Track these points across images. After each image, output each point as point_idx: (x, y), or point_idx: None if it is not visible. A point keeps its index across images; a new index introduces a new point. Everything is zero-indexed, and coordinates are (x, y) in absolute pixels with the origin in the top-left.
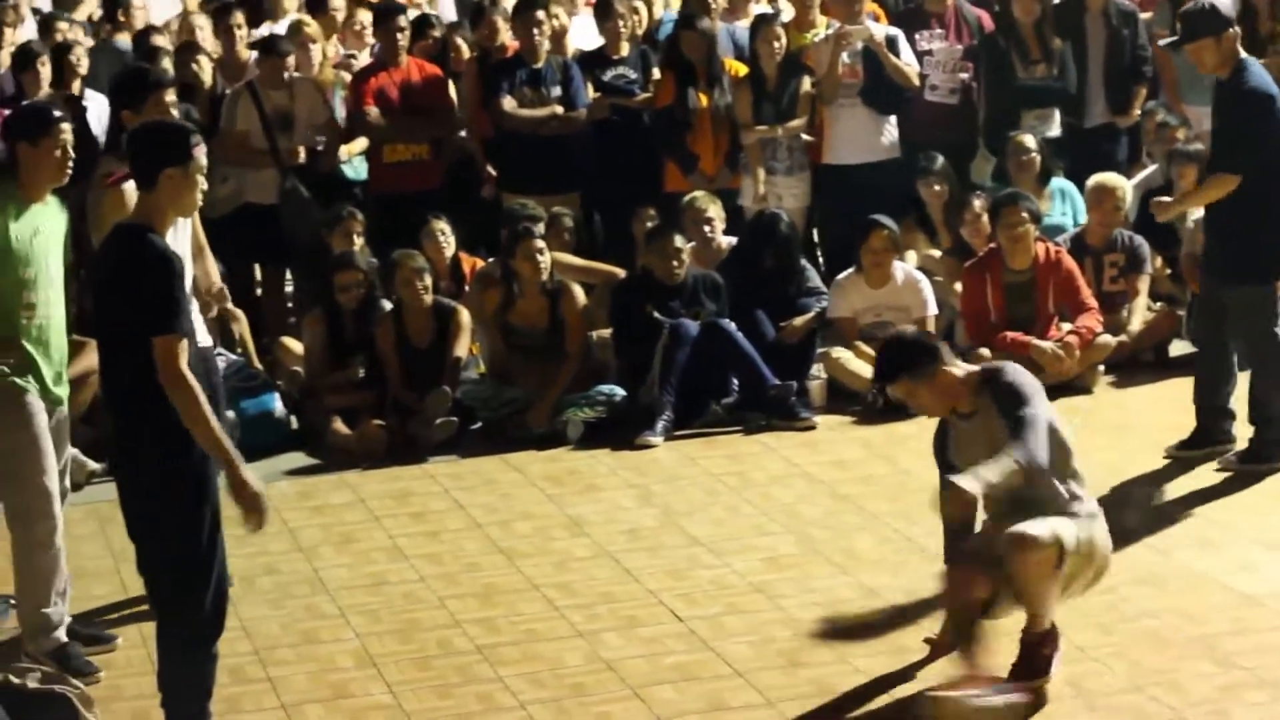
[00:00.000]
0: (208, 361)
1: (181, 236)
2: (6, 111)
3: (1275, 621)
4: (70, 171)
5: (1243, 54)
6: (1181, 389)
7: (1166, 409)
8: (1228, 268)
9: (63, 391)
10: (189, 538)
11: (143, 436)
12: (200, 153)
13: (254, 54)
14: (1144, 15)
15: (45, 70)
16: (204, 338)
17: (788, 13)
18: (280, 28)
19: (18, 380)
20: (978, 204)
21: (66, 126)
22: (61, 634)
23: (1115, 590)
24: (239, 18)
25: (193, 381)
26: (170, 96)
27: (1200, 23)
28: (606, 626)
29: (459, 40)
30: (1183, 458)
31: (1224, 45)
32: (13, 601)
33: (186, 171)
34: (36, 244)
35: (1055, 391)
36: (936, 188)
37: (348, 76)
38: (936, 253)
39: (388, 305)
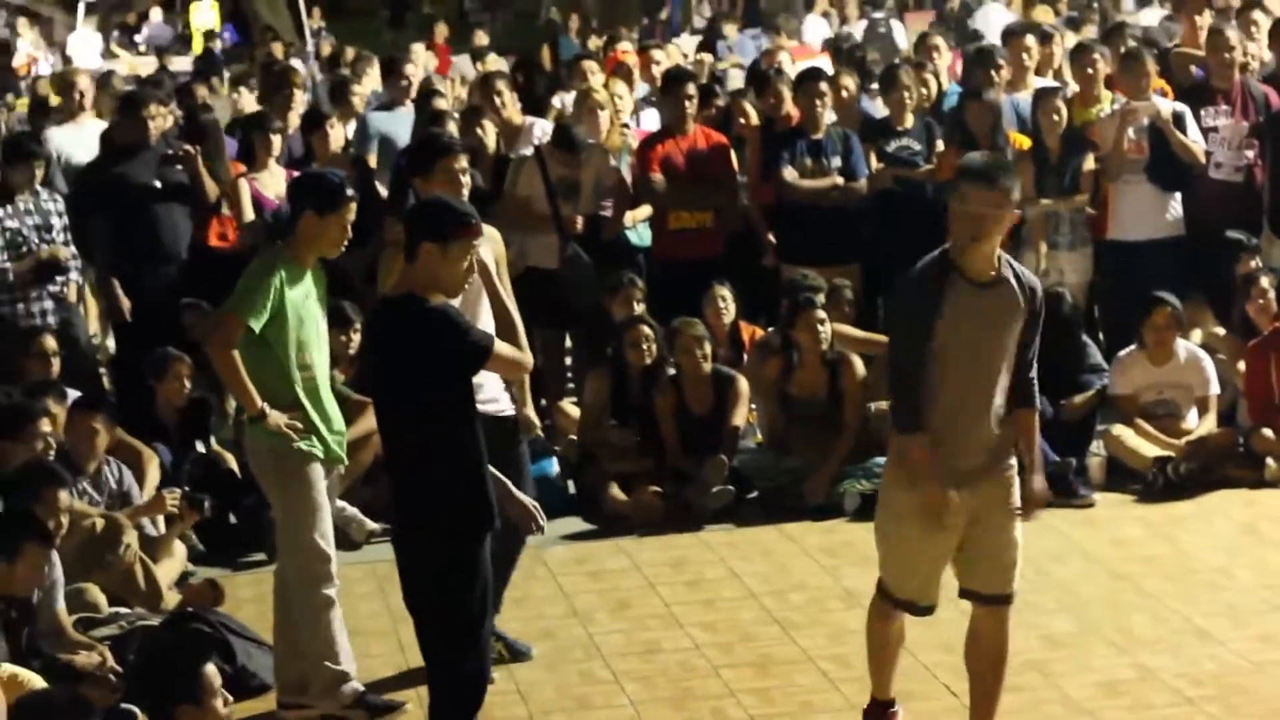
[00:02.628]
0: (506, 430)
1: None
2: (295, 173)
3: None
4: (346, 245)
5: None
6: None
7: None
8: None
9: (342, 452)
10: (462, 607)
11: (422, 503)
12: (463, 237)
13: (529, 119)
14: None
15: (335, 132)
16: (506, 406)
17: (1071, 86)
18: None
19: (304, 447)
20: (1265, 281)
21: (354, 205)
22: (357, 684)
23: None
24: (502, 84)
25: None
26: (461, 163)
27: None
28: None
29: (745, 106)
30: None
31: None
32: None
33: (445, 250)
34: (309, 306)
35: None
36: (1249, 267)
37: (634, 142)
38: (1221, 331)
39: (670, 371)
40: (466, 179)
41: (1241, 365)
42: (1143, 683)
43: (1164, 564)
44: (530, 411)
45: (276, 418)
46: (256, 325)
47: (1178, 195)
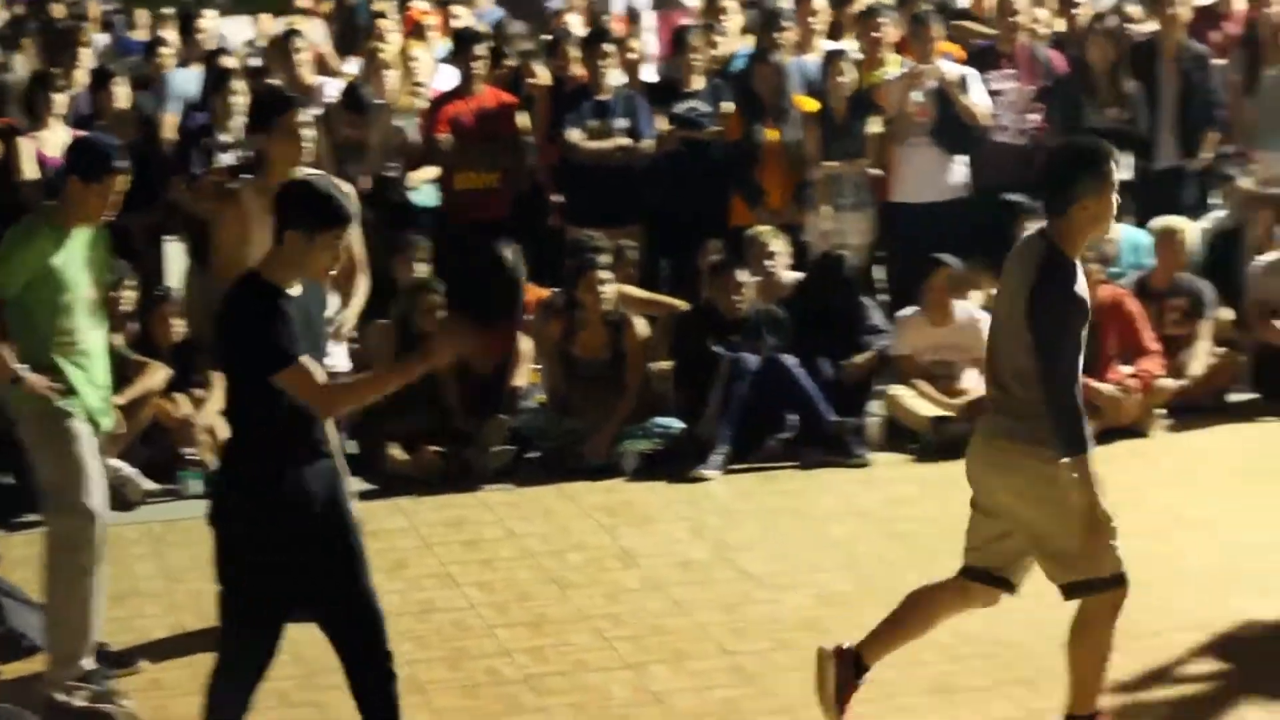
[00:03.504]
0: None
1: None
2: (80, 133)
3: None
4: (114, 214)
5: None
6: (1241, 434)
7: (1226, 454)
8: None
9: (106, 411)
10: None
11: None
12: (331, 230)
13: (320, 79)
14: (1217, 61)
15: (121, 89)
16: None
17: (858, 50)
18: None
19: (63, 406)
20: None
21: (121, 176)
22: (90, 662)
23: (1164, 635)
24: (297, 43)
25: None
26: (302, 117)
27: None
28: (655, 659)
29: (535, 67)
30: None
31: None
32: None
33: (311, 240)
34: (73, 271)
35: (1113, 435)
36: (1025, 228)
37: (422, 103)
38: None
39: None
40: (309, 134)
41: None
42: (915, 641)
43: (939, 523)
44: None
45: (33, 381)
46: (7, 291)
47: (962, 158)
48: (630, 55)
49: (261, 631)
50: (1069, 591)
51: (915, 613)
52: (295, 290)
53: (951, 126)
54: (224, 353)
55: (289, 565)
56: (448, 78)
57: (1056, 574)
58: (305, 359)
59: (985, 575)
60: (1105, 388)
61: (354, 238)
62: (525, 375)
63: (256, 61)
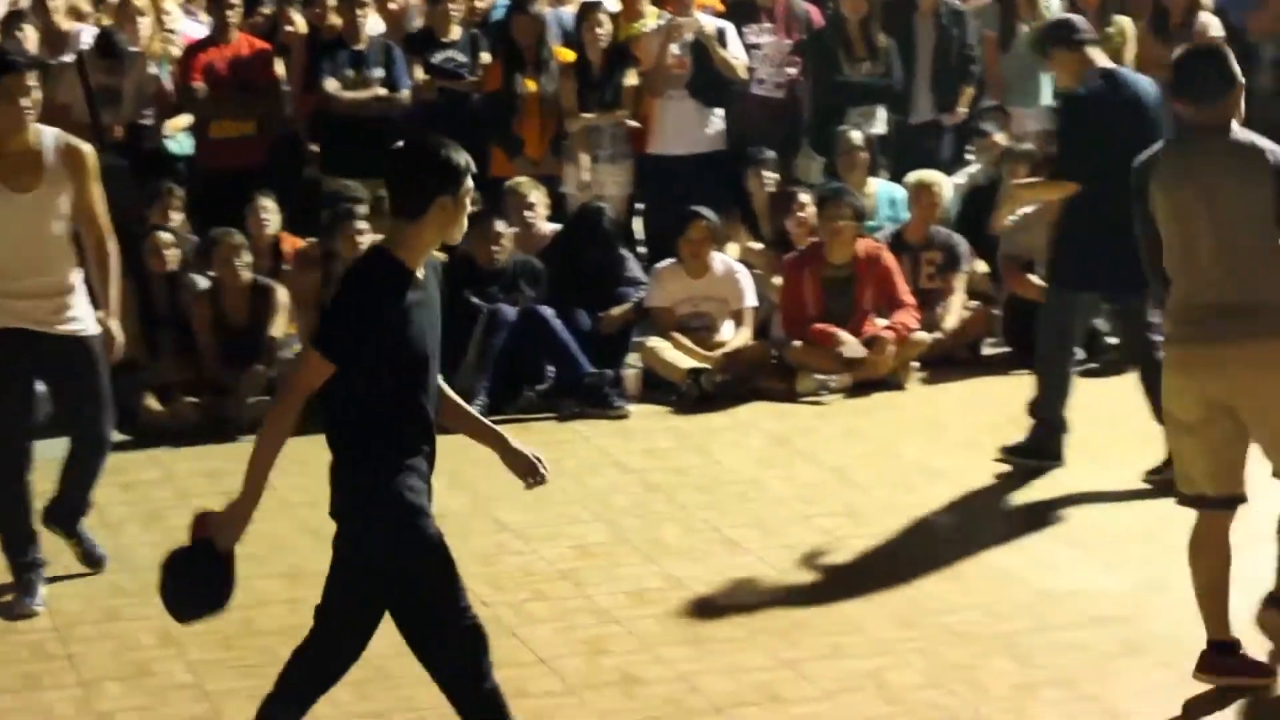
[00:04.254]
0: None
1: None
2: None
3: (1074, 619)
4: None
5: (1105, 65)
6: (993, 387)
7: (978, 407)
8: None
9: None
10: None
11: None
12: None
13: (75, 25)
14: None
15: None
16: (91, 326)
17: (615, 2)
18: None
19: None
20: (804, 198)
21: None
22: None
23: (918, 585)
24: None
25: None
26: (25, 80)
27: (1053, 35)
28: None
29: (291, 14)
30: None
31: (1074, 58)
32: None
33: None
34: None
35: (868, 387)
36: (763, 180)
37: (176, 51)
38: (758, 245)
39: (205, 282)
40: (31, 99)
41: (777, 279)
42: (671, 591)
43: (696, 475)
44: (115, 326)
45: None
46: None
47: (719, 111)
48: (391, 4)
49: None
50: None
51: (1217, 574)
52: (421, 273)
53: (709, 79)
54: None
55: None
56: (192, 28)
57: None
58: (320, 357)
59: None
60: (849, 339)
61: (97, 197)
62: (283, 326)
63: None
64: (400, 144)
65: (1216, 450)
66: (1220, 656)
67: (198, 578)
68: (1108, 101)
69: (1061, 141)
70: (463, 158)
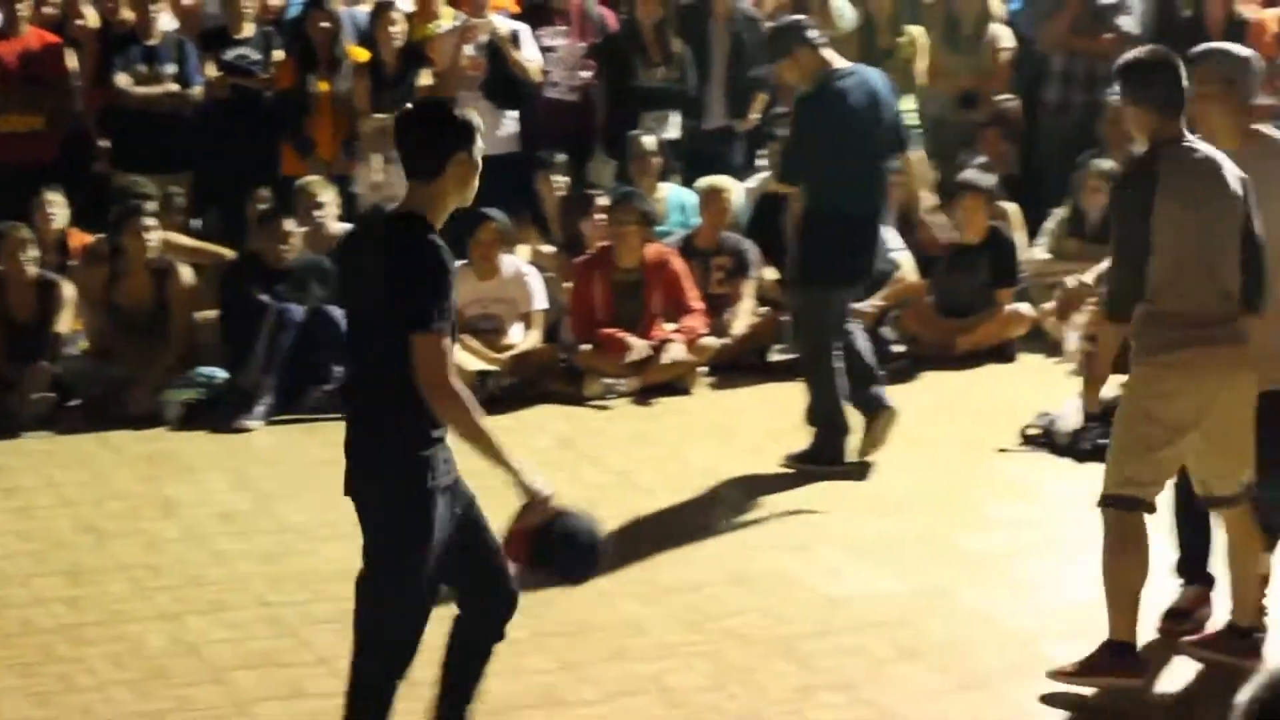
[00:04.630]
0: None
1: None
2: None
3: (854, 624)
4: None
5: (837, 63)
6: (781, 393)
7: (765, 413)
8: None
9: None
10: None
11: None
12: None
13: None
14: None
15: None
16: None
17: (409, 2)
18: None
19: None
20: (598, 202)
21: None
22: None
23: (702, 590)
24: None
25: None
26: None
27: (777, 44)
28: (192, 609)
29: (82, 8)
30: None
31: (802, 60)
32: None
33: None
34: None
35: (656, 391)
36: (554, 184)
37: None
38: (549, 248)
39: None
40: None
41: (568, 283)
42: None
43: (481, 477)
44: None
45: None
46: None
47: (513, 113)
48: (184, 0)
49: None
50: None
51: (1140, 576)
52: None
53: (503, 81)
54: (369, 301)
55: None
56: None
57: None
58: (434, 335)
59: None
60: (637, 344)
61: None
62: (68, 322)
63: None
64: (409, 106)
65: (1182, 457)
66: (1114, 658)
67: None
68: (844, 100)
69: (792, 142)
70: (473, 116)
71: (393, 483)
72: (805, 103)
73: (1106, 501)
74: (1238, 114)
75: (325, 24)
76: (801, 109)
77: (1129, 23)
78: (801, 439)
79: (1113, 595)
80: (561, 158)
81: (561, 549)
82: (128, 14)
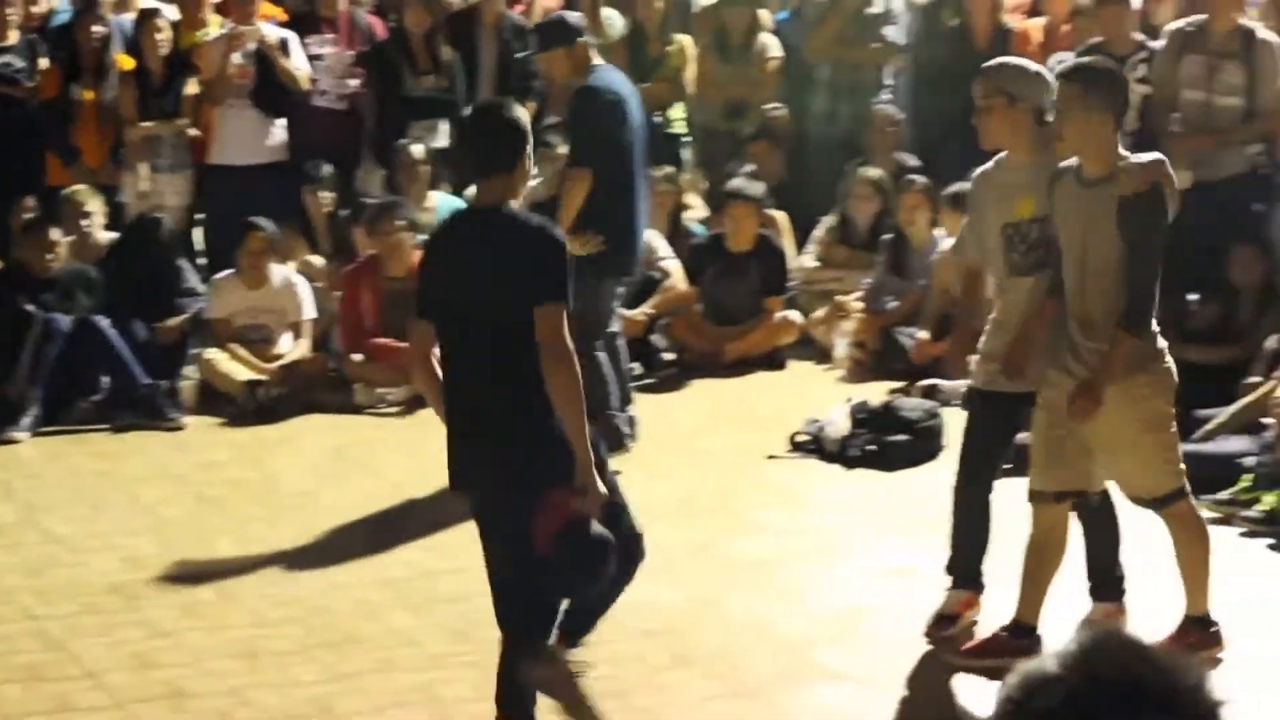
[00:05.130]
0: None
1: None
2: None
3: (627, 633)
4: None
5: (596, 61)
6: None
7: None
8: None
9: None
10: None
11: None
12: None
13: None
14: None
15: None
16: None
17: (174, 10)
18: None
19: None
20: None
21: None
22: None
23: (471, 600)
24: None
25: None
26: None
27: (552, 34)
28: None
29: None
30: None
31: (576, 54)
32: None
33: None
34: None
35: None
36: (320, 195)
37: None
38: (318, 259)
39: None
40: None
41: (337, 292)
42: (224, 604)
43: (252, 487)
44: None
45: None
46: None
47: (281, 121)
48: None
49: None
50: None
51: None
52: None
53: (271, 89)
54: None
55: None
56: None
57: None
58: (560, 305)
59: None
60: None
61: None
62: None
63: None
64: (476, 107)
65: None
66: (1019, 639)
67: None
68: (614, 94)
69: (579, 132)
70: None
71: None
72: (589, 93)
73: (1179, 495)
74: (1027, 127)
75: (98, 30)
76: (586, 98)
77: (895, 33)
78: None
79: (1034, 581)
80: (328, 170)
81: (583, 547)
82: None
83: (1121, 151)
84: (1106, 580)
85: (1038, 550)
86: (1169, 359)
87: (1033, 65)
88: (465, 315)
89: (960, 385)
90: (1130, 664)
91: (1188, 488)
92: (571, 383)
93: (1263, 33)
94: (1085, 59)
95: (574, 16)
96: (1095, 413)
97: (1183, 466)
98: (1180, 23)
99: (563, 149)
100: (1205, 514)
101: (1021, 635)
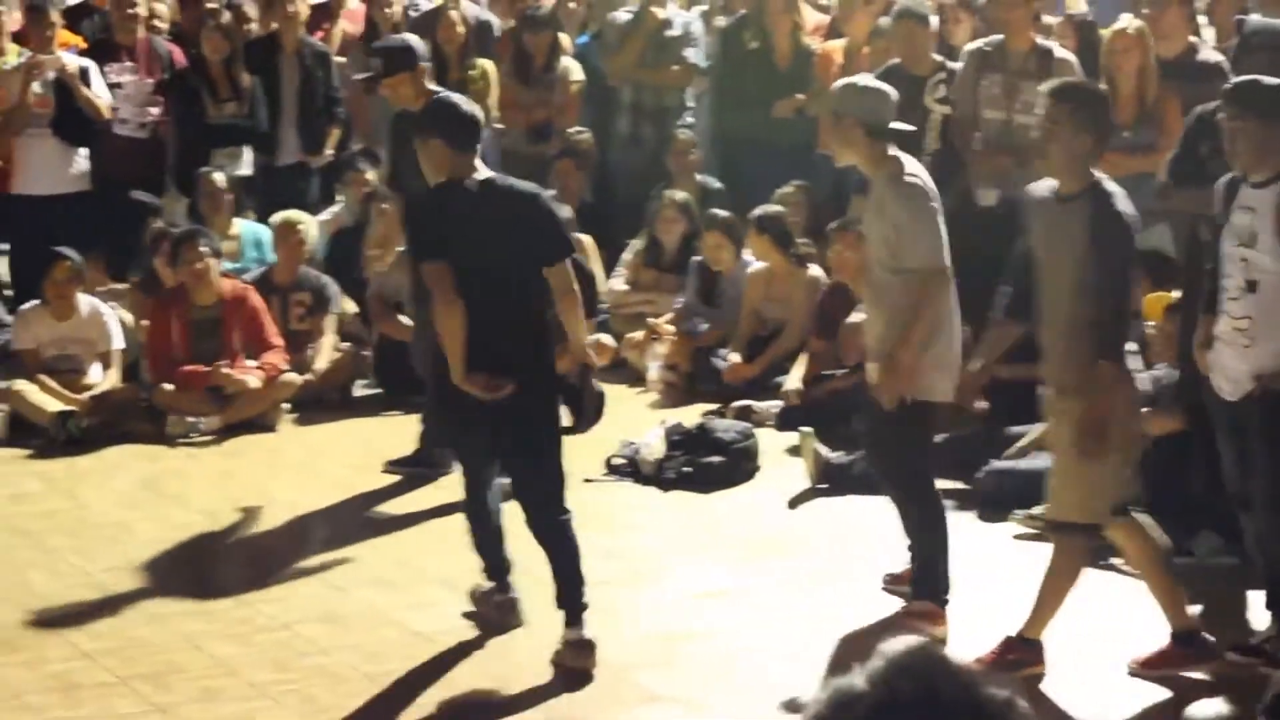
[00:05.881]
0: None
1: None
2: None
3: (448, 657)
4: None
5: (433, 86)
6: (365, 428)
7: (350, 448)
8: None
9: None
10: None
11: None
12: None
13: None
14: (338, 59)
15: None
16: None
17: None
18: None
19: None
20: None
21: None
22: None
23: (292, 628)
24: None
25: None
26: None
27: (397, 59)
28: None
29: None
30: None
31: (418, 79)
32: None
33: None
34: None
35: (240, 428)
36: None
37: None
38: (123, 286)
39: None
40: None
41: (145, 320)
42: (39, 637)
43: (64, 519)
44: None
45: None
46: None
47: (84, 150)
48: None
49: None
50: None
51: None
52: None
53: (72, 118)
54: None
55: None
56: None
57: None
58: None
59: None
60: (234, 375)
61: None
62: None
63: None
64: (445, 98)
65: None
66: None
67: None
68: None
69: (400, 155)
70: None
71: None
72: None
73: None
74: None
75: None
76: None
77: (695, 54)
78: (383, 477)
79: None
80: (156, 202)
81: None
82: None
83: (1095, 173)
84: None
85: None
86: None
87: (874, 83)
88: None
89: (772, 406)
90: (934, 679)
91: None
92: (580, 311)
93: (1060, 51)
94: (1072, 80)
95: (416, 41)
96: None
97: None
98: (978, 43)
99: (370, 174)
100: (1017, 529)
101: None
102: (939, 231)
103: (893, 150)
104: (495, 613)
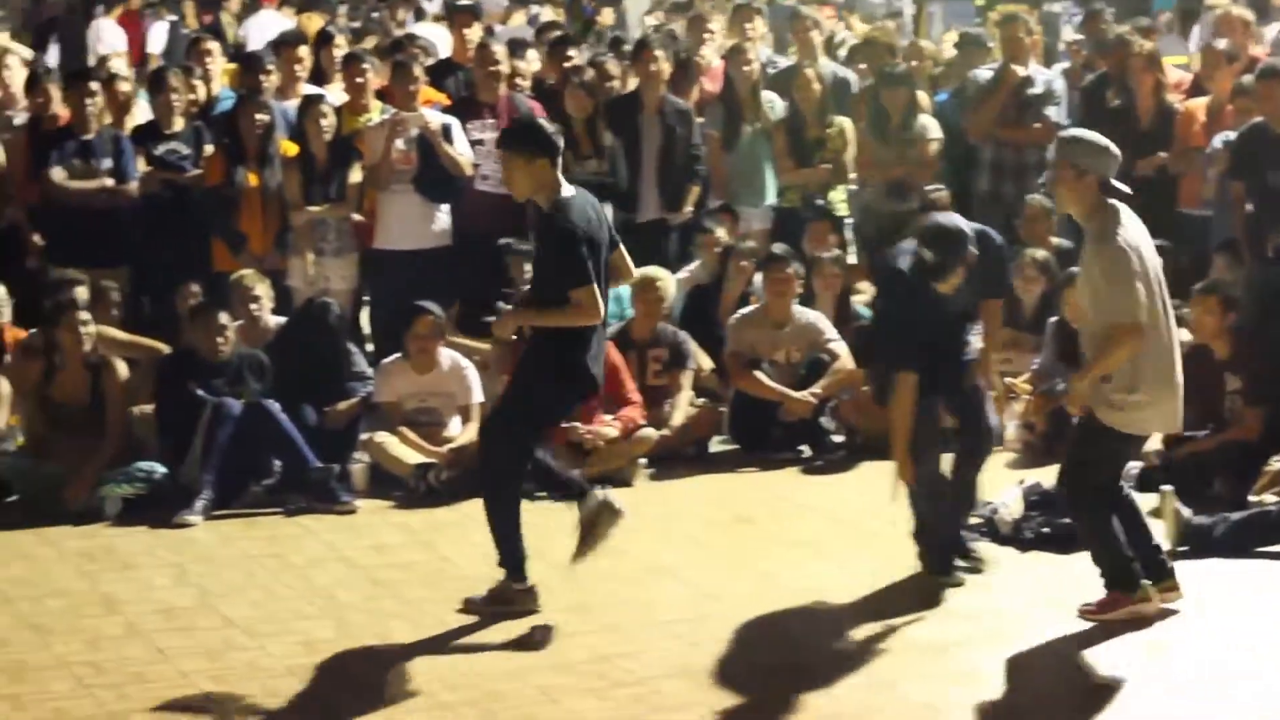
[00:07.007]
0: None
1: None
2: None
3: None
4: None
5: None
6: (720, 484)
7: (703, 503)
8: None
9: None
10: None
11: None
12: None
13: None
14: (699, 119)
15: None
16: None
17: (338, 95)
18: None
19: None
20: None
21: None
22: None
23: (647, 683)
24: None
25: None
26: None
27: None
28: (135, 707)
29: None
30: None
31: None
32: None
33: None
34: None
35: (596, 483)
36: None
37: None
38: (485, 345)
39: None
40: None
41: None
42: (399, 687)
43: (423, 570)
44: None
45: None
46: None
47: (445, 206)
48: (121, 94)
49: None
50: None
51: None
52: None
53: (434, 174)
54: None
55: None
56: None
57: None
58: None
59: None
60: (583, 429)
61: None
62: (3, 417)
63: None
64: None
65: None
66: None
67: None
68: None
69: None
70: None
71: None
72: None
73: None
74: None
75: (261, 117)
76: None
77: (1056, 113)
78: (743, 529)
79: None
80: (523, 246)
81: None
82: (60, 109)
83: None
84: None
85: None
86: None
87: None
88: None
89: (1131, 467)
90: None
91: None
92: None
93: None
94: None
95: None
96: None
97: None
98: None
99: (720, 233)
100: None
101: None
102: (1134, 290)
103: (1112, 200)
104: None
